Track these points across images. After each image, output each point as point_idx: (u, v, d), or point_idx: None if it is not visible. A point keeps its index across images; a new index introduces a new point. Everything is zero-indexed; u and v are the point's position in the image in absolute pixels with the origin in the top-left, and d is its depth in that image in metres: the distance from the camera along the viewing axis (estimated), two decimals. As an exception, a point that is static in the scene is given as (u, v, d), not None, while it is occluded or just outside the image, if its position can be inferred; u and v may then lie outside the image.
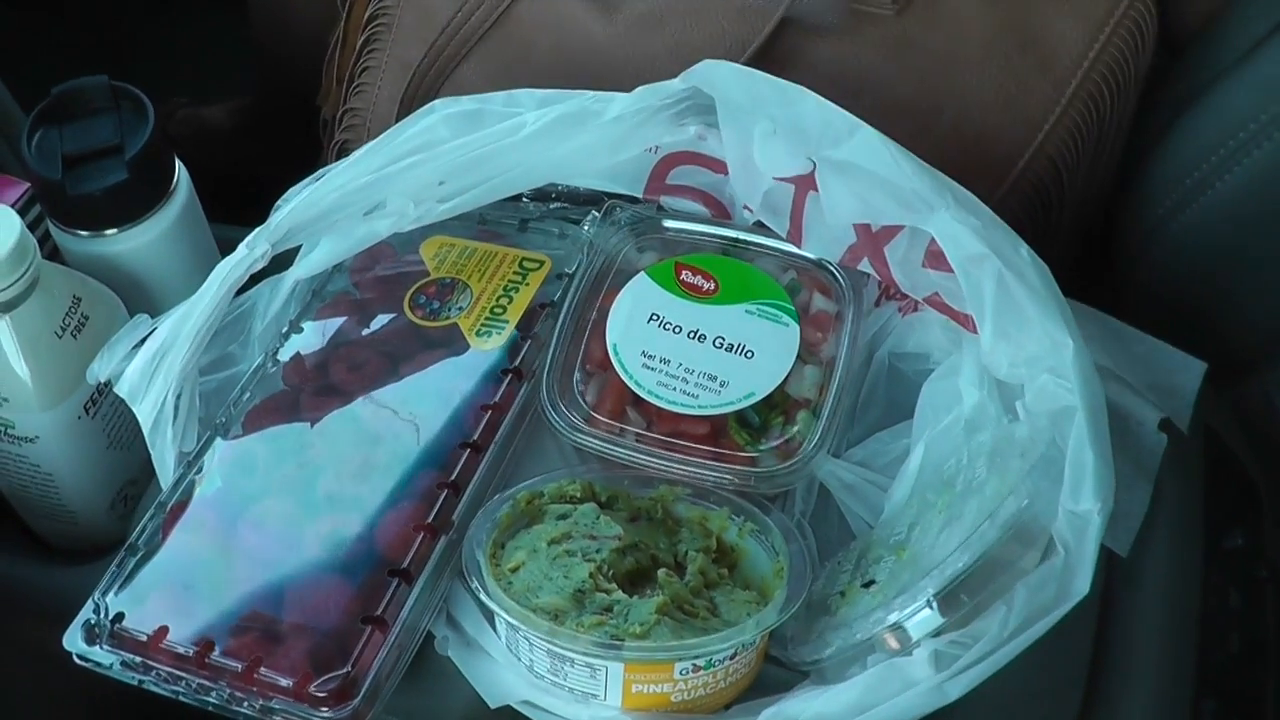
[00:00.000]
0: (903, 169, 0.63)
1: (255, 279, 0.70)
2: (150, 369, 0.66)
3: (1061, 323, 0.60)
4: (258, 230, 0.68)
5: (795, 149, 0.66)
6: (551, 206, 0.75)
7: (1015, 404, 0.64)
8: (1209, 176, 0.75)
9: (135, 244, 0.76)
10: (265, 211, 0.71)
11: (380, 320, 0.71)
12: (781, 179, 0.67)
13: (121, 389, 0.66)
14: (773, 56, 0.78)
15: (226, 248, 0.70)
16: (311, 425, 0.67)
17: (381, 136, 0.71)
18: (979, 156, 0.76)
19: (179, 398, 0.66)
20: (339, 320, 0.71)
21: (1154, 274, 0.80)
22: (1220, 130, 0.75)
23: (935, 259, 0.64)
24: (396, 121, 0.75)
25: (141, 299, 0.76)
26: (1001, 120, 0.76)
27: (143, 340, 0.67)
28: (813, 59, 0.78)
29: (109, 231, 0.75)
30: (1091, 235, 0.83)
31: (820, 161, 0.66)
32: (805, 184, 0.67)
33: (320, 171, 0.70)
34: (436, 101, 0.71)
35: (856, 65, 0.77)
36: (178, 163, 0.79)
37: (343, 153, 0.86)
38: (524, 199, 0.75)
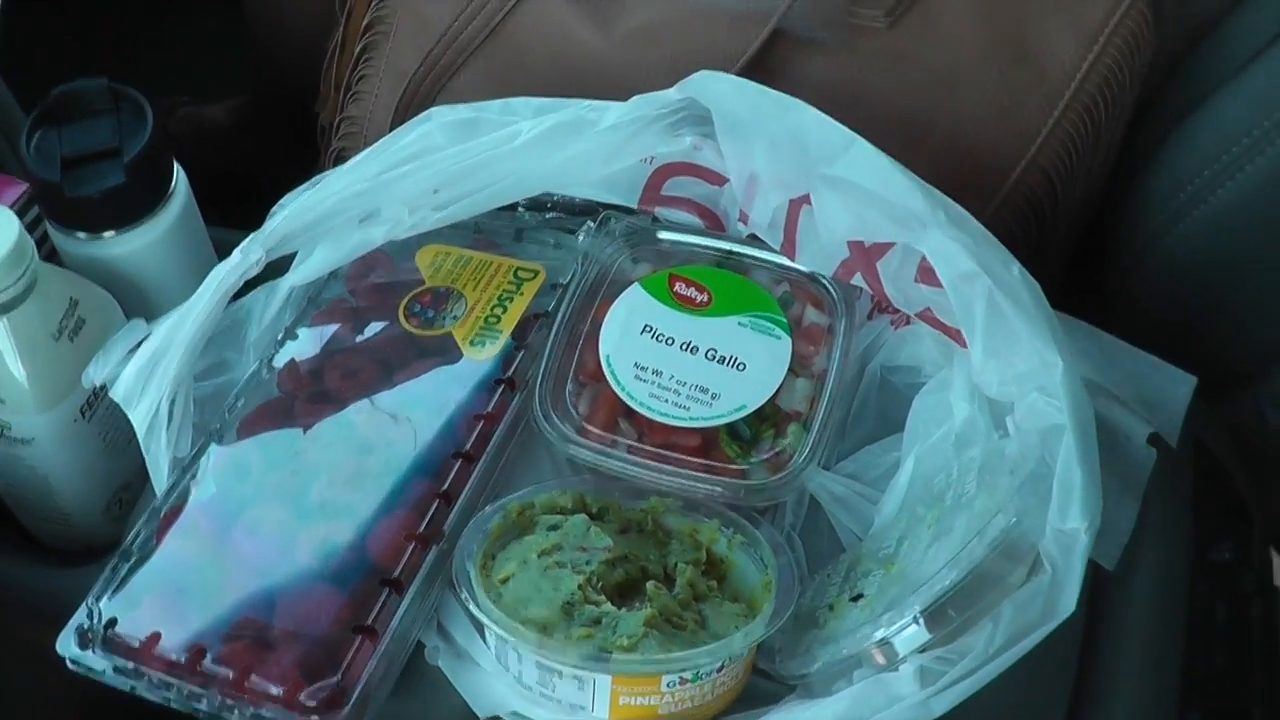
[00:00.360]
0: (896, 185, 0.64)
1: (251, 284, 0.71)
2: (145, 374, 0.66)
3: (1051, 342, 0.60)
4: (253, 236, 0.69)
5: (795, 166, 0.67)
6: (547, 216, 0.75)
7: (1005, 419, 0.65)
8: (1204, 189, 0.75)
9: (133, 247, 0.76)
10: (264, 212, 0.71)
11: (375, 328, 0.71)
12: (779, 201, 0.68)
13: (116, 393, 0.66)
14: (764, 69, 0.78)
15: (224, 250, 0.70)
16: (305, 432, 0.67)
17: (378, 143, 0.71)
18: (972, 169, 0.76)
19: (173, 403, 0.66)
20: (334, 327, 0.72)
21: (1147, 285, 0.81)
22: (1217, 142, 0.75)
23: (928, 274, 0.65)
24: (392, 130, 0.76)
25: (139, 301, 0.77)
26: (995, 133, 0.76)
27: (138, 345, 0.67)
28: (804, 72, 0.78)
29: (107, 234, 0.75)
30: (1084, 245, 0.84)
31: (816, 177, 0.66)
32: (800, 198, 0.67)
33: (316, 178, 0.71)
34: (433, 109, 0.72)
35: (848, 79, 0.77)
36: (176, 166, 0.79)
37: (339, 160, 0.86)
38: (519, 208, 0.75)
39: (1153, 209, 0.78)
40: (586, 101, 0.71)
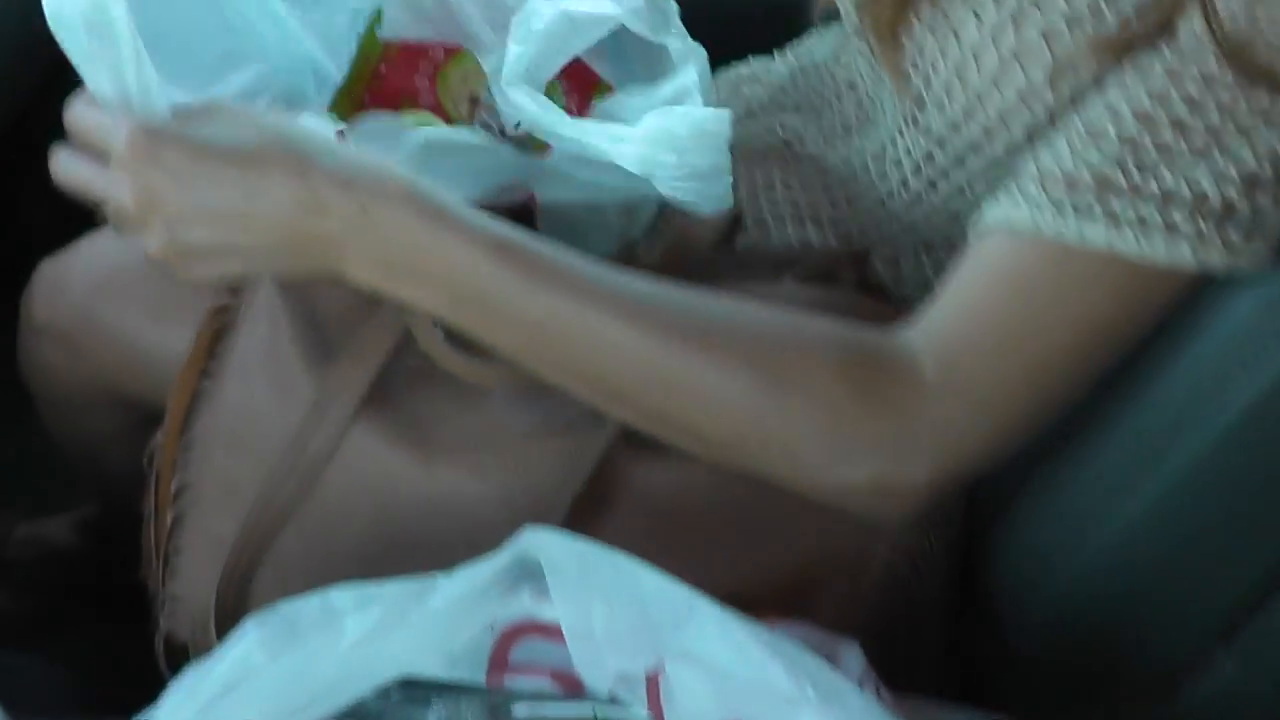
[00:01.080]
0: (751, 658, 0.59)
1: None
2: None
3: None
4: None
5: (637, 634, 0.62)
6: (393, 701, 0.69)
7: None
8: (1070, 545, 0.72)
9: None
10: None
11: None
12: (629, 667, 0.63)
13: None
14: (604, 482, 0.73)
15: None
16: None
17: (191, 675, 0.65)
18: (837, 553, 0.72)
19: None
20: None
21: (1036, 634, 0.76)
22: (1069, 499, 0.72)
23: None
24: (217, 606, 0.70)
25: None
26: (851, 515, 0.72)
27: None
28: (646, 481, 0.73)
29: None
30: (967, 600, 0.79)
31: (665, 648, 0.61)
32: (654, 671, 0.62)
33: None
34: (247, 623, 0.66)
35: (694, 481, 0.72)
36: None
37: (169, 645, 0.80)
38: (363, 698, 0.69)
39: (1023, 564, 0.74)
40: (412, 580, 0.65)
